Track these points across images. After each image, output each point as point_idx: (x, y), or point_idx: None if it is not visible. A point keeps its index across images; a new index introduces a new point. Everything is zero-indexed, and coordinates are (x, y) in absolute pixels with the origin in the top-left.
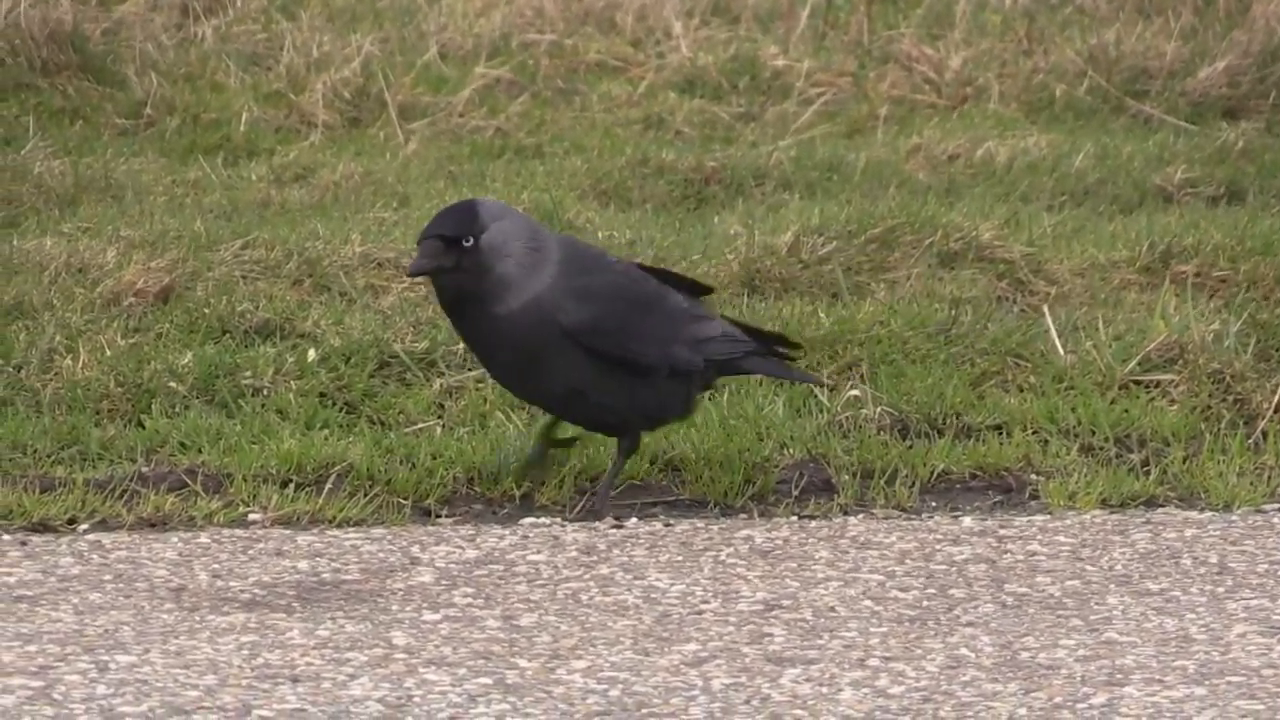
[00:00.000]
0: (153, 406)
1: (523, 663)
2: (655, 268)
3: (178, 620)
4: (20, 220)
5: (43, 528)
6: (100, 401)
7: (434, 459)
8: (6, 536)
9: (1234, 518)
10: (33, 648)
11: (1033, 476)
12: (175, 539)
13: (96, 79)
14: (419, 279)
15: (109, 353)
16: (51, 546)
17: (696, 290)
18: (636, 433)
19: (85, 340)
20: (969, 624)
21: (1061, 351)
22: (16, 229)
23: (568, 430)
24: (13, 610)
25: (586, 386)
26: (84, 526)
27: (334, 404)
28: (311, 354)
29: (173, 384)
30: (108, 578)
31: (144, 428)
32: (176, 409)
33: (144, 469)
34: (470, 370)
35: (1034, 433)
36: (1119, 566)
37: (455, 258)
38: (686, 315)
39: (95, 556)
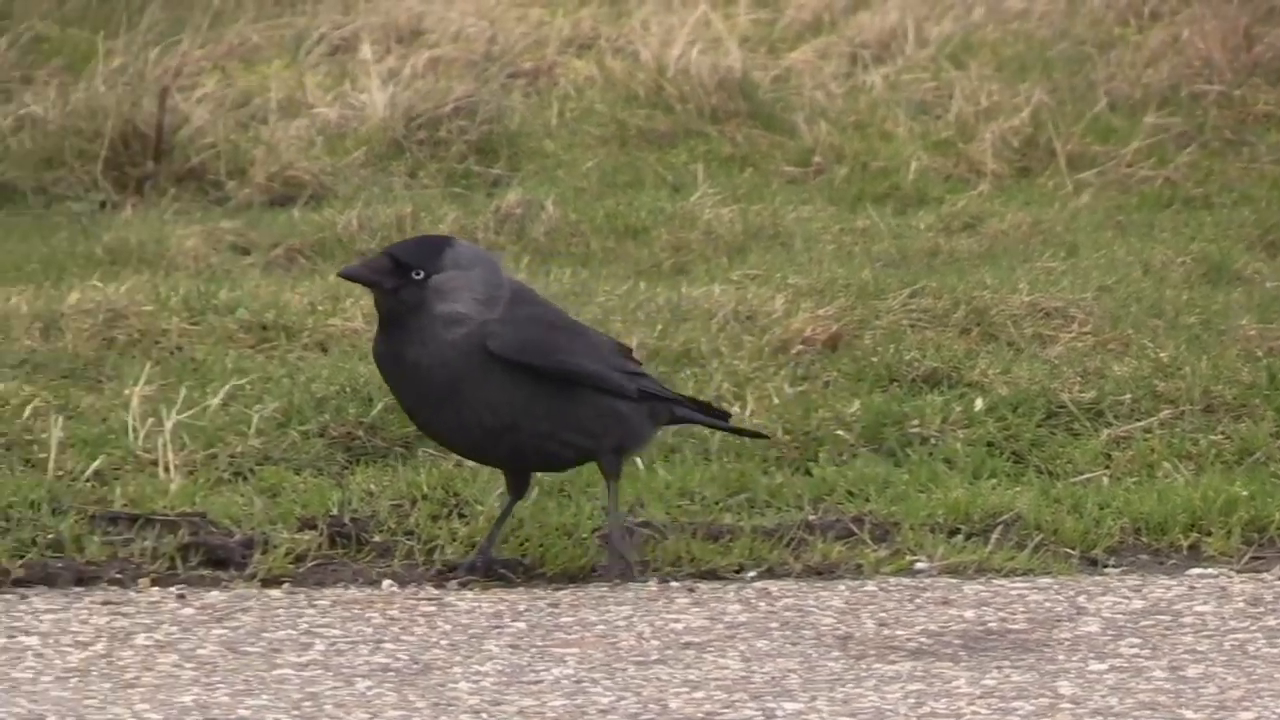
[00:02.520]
0: (820, 454)
1: (1189, 714)
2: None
3: (844, 668)
4: (689, 267)
5: (710, 575)
6: (768, 449)
7: (1101, 509)
8: (674, 584)
9: None
10: (700, 694)
11: None
12: (842, 587)
13: (766, 126)
14: (355, 284)
15: (776, 400)
16: (719, 593)
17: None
18: (610, 461)
19: (753, 388)
20: None
21: None
22: (686, 276)
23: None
24: (680, 657)
25: (517, 416)
26: (751, 574)
27: (1001, 453)
28: (979, 403)
29: (840, 432)
30: (774, 625)
31: (811, 475)
32: (844, 457)
33: (811, 517)
34: (1138, 420)
35: None
36: None
37: (396, 283)
38: (616, 347)
39: (762, 604)
